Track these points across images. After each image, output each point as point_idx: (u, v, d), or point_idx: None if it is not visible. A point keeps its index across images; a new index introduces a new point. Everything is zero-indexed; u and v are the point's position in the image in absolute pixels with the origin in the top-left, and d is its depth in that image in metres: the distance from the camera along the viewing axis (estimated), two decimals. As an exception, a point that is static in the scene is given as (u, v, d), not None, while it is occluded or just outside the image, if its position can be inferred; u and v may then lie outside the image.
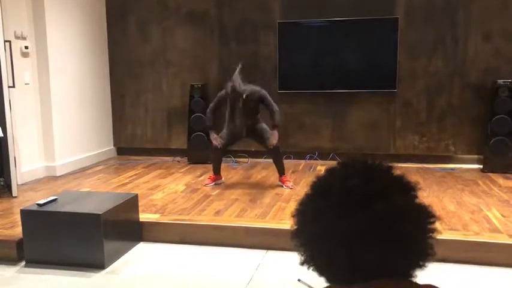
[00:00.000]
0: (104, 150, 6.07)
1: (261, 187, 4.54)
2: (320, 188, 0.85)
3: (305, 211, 0.85)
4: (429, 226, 0.81)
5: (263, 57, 5.74)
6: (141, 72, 6.10)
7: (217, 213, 3.75)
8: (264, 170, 5.30)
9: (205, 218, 3.64)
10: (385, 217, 0.77)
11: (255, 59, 5.77)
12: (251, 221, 3.57)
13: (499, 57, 5.19)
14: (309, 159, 5.66)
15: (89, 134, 5.79)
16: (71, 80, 5.45)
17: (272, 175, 5.03)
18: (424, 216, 0.82)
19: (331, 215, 0.79)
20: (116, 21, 6.08)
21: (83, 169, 5.45)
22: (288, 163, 5.55)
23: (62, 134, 5.26)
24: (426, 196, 4.12)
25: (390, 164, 0.86)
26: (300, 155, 5.70)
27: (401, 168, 5.31)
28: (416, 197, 0.83)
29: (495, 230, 3.27)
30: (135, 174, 5.16)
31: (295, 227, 0.86)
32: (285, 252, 3.10)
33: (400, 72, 5.36)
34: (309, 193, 0.87)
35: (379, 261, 0.77)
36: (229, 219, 3.61)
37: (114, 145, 6.30)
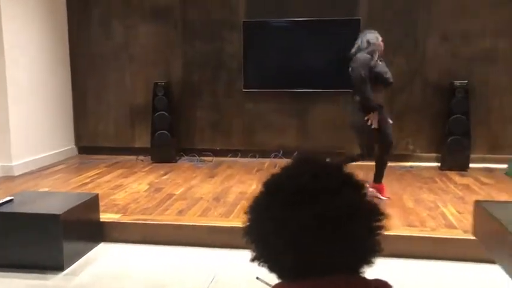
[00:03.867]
0: (65, 149, 5.91)
1: (225, 186, 4.53)
2: (271, 185, 0.86)
3: (256, 208, 0.87)
4: (377, 224, 0.83)
5: (228, 55, 5.74)
6: (104, 68, 5.97)
7: (180, 212, 3.72)
8: (229, 168, 5.30)
9: (168, 218, 3.60)
10: (331, 214, 0.78)
11: (220, 57, 5.76)
12: (215, 220, 3.56)
13: (456, 59, 5.37)
14: (273, 157, 5.70)
15: (49, 131, 5.62)
16: (28, 75, 5.26)
17: (237, 173, 5.04)
18: (372, 214, 0.84)
19: (279, 211, 0.81)
20: (77, 14, 5.93)
21: (42, 169, 5.29)
22: (253, 162, 5.61)
23: (19, 131, 5.09)
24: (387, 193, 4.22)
25: (341, 162, 0.87)
26: (264, 154, 5.72)
27: (364, 166, 5.42)
28: (364, 195, 0.85)
29: (451, 226, 3.39)
30: (96, 174, 5.05)
31: (247, 224, 0.87)
32: (248, 251, 3.10)
33: (362, 72, 5.45)
34: (261, 191, 0.88)
35: (326, 258, 0.79)
36: (193, 219, 3.59)
37: (76, 144, 6.14)
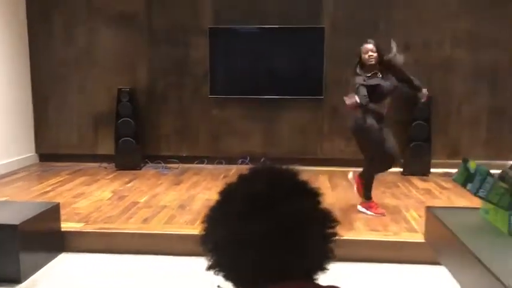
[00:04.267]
0: (25, 156, 5.73)
1: (191, 193, 4.49)
2: (227, 194, 0.87)
3: (212, 217, 0.87)
4: (330, 231, 0.84)
5: (194, 61, 5.71)
6: (66, 74, 5.84)
7: (145, 220, 3.66)
8: (195, 175, 5.26)
9: (132, 226, 3.54)
10: (286, 221, 0.79)
11: (186, 63, 5.73)
12: (180, 227, 3.52)
13: (417, 67, 5.51)
14: (240, 164, 5.69)
15: (8, 138, 5.43)
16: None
17: (203, 180, 5.01)
18: (325, 221, 0.85)
19: (235, 219, 0.81)
20: (38, 20, 5.78)
21: (1, 177, 5.10)
22: (219, 168, 5.59)
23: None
24: (351, 198, 4.29)
25: (297, 170, 0.88)
26: (231, 160, 5.71)
27: (328, 171, 5.46)
28: (319, 202, 0.86)
29: (412, 230, 3.47)
30: (58, 182, 4.91)
31: (203, 232, 0.87)
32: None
33: (326, 80, 5.55)
34: (218, 199, 0.88)
35: (281, 264, 0.80)
36: (157, 227, 3.54)
37: (36, 151, 5.96)
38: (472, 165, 1.28)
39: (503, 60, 5.48)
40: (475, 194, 1.31)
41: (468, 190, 1.31)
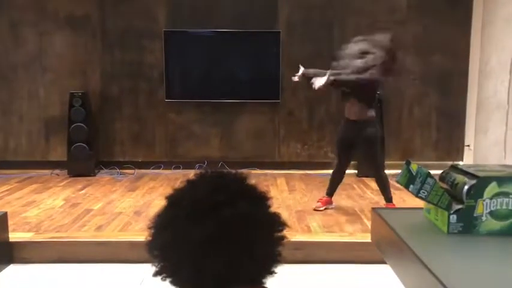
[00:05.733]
0: (-30, 164, 5.46)
1: (147, 199, 4.42)
2: (173, 199, 0.86)
3: (158, 222, 0.86)
4: (277, 234, 0.85)
5: (149, 65, 5.64)
6: (14, 78, 5.62)
7: (99, 228, 3.57)
8: (151, 181, 5.18)
9: (85, 234, 3.44)
10: (231, 224, 0.79)
11: (141, 67, 5.64)
12: (135, 234, 3.45)
13: (370, 71, 5.67)
14: (198, 168, 5.65)
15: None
16: None
17: (160, 186, 4.94)
18: (273, 225, 0.85)
19: (180, 224, 0.81)
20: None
21: None
22: (176, 173, 5.53)
23: None
24: (307, 201, 4.35)
25: (244, 175, 0.89)
26: (189, 165, 5.66)
27: (285, 174, 5.49)
28: (266, 206, 0.87)
29: (367, 231, 3.53)
30: (6, 190, 4.71)
31: (150, 238, 0.86)
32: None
33: (283, 83, 5.60)
34: (164, 204, 0.88)
35: (227, 269, 0.79)
36: (112, 234, 3.46)
37: (-18, 158, 5.70)
38: (414, 167, 1.32)
39: (450, 63, 5.72)
40: (417, 195, 1.36)
41: (410, 192, 1.36)
